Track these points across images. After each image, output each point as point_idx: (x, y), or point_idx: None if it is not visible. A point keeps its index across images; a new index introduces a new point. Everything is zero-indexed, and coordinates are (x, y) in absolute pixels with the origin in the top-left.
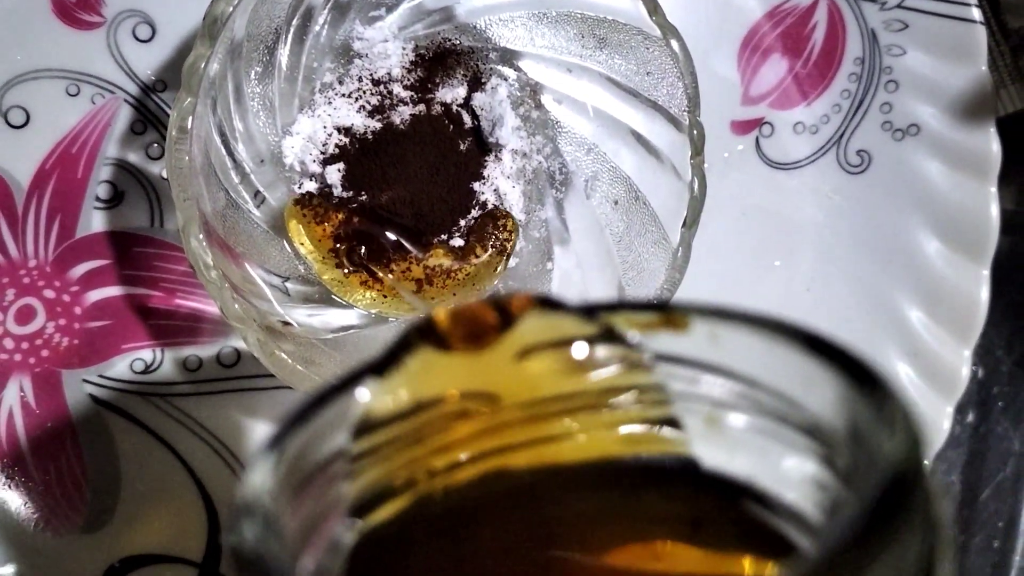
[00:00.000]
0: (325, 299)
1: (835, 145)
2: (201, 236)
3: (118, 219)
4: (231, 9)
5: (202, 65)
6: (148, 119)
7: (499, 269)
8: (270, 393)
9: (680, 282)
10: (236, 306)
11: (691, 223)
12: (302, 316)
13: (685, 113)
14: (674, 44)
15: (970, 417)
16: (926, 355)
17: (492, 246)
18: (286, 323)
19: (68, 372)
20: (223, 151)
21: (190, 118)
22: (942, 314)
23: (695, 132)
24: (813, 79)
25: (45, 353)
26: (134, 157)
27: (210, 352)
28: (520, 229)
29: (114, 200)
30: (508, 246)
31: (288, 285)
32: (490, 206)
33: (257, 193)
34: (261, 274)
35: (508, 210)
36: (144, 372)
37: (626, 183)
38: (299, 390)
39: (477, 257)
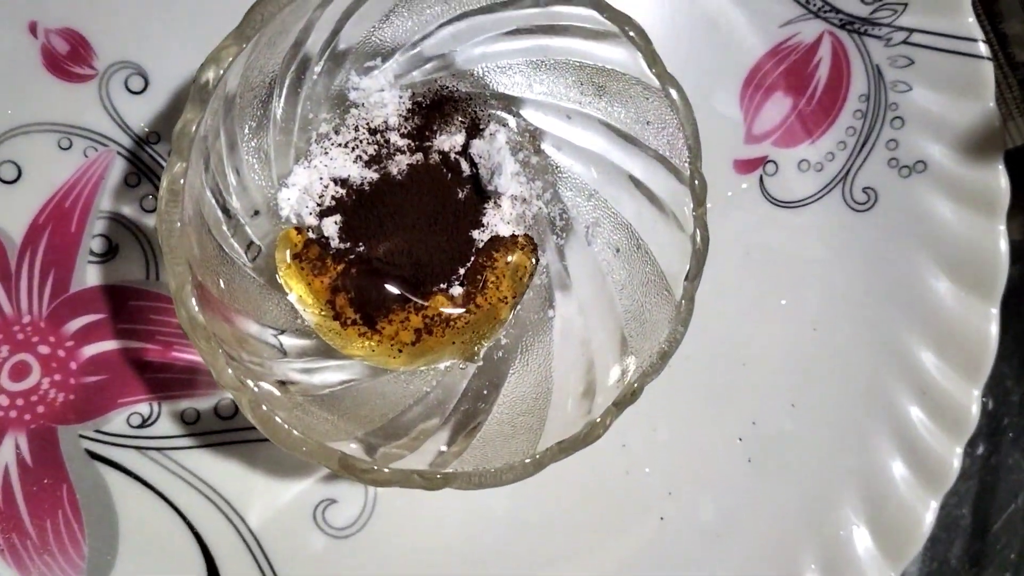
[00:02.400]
0: (323, 352)
1: (840, 182)
2: (193, 301)
3: (113, 273)
4: (222, 72)
5: (192, 129)
6: (142, 171)
7: (504, 316)
8: (269, 444)
9: (683, 335)
10: (230, 371)
11: (694, 276)
12: (299, 374)
13: (686, 164)
14: (674, 95)
15: (980, 449)
16: (935, 394)
17: (508, 278)
18: (283, 383)
19: (64, 428)
20: (216, 206)
21: (181, 181)
22: (951, 353)
23: (696, 183)
24: (817, 116)
25: (41, 409)
26: (128, 210)
27: (208, 404)
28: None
29: (108, 254)
30: (525, 280)
31: (285, 339)
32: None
33: (251, 245)
34: (257, 330)
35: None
36: (141, 426)
37: (628, 230)
38: (295, 454)
39: (487, 291)
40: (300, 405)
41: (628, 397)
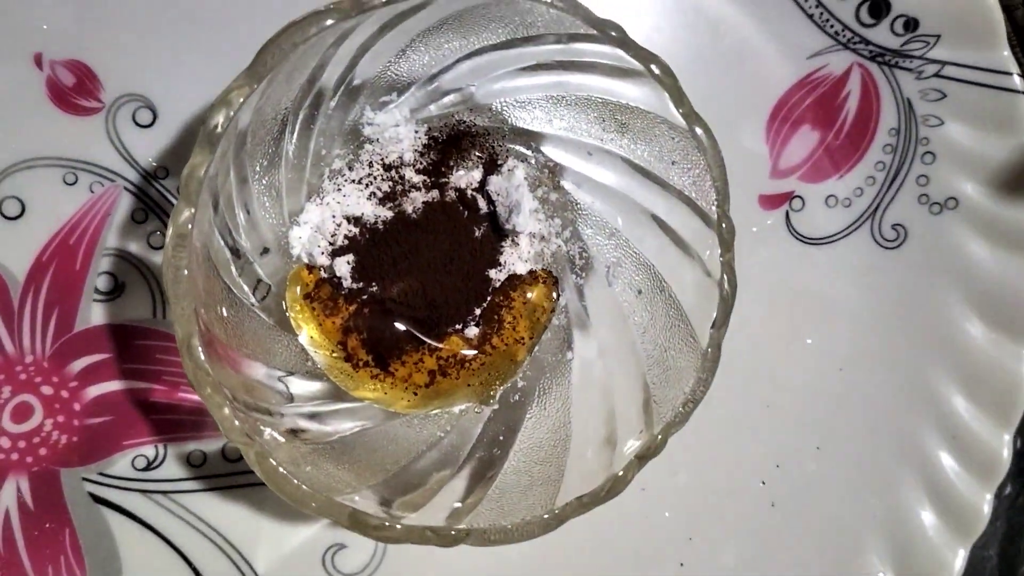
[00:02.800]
0: (333, 396)
1: (869, 219)
2: (200, 351)
3: (118, 311)
4: (232, 114)
5: (201, 173)
6: (150, 207)
7: (521, 357)
8: None
9: (710, 384)
10: (236, 422)
11: (721, 324)
12: (308, 420)
13: (713, 207)
14: (701, 135)
15: (1008, 489)
16: (965, 438)
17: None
18: (292, 431)
19: (67, 471)
20: (224, 246)
21: (189, 226)
22: (982, 396)
23: (724, 227)
24: (846, 150)
25: (43, 452)
26: (135, 247)
27: (215, 447)
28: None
29: (114, 292)
30: (543, 320)
31: (294, 381)
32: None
33: (260, 284)
34: (265, 373)
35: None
36: (146, 469)
37: (650, 271)
38: (304, 509)
39: (503, 332)
40: (309, 456)
41: (652, 450)
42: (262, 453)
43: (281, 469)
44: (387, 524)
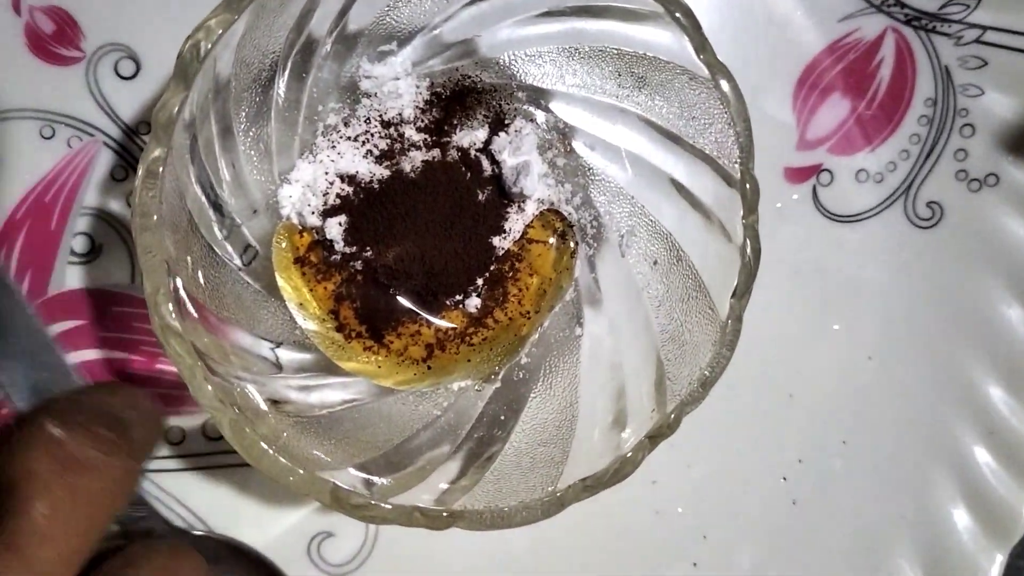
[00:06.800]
0: (323, 368)
1: (903, 196)
2: (170, 306)
3: (95, 275)
4: (210, 46)
5: (174, 110)
6: (130, 164)
7: (526, 332)
8: None
9: (729, 360)
10: (209, 387)
11: (742, 293)
12: (295, 392)
13: (736, 165)
14: (724, 86)
15: None
16: (1004, 434)
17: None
18: (276, 402)
19: None
20: (205, 202)
21: (161, 168)
22: (1023, 388)
23: (748, 187)
24: (878, 121)
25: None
26: (114, 206)
27: (194, 423)
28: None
29: (91, 254)
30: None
31: (280, 352)
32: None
33: (247, 248)
34: (250, 341)
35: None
36: None
37: (667, 241)
38: (281, 484)
39: (507, 305)
40: (292, 428)
41: (664, 430)
42: (237, 422)
43: (261, 441)
44: (372, 503)
